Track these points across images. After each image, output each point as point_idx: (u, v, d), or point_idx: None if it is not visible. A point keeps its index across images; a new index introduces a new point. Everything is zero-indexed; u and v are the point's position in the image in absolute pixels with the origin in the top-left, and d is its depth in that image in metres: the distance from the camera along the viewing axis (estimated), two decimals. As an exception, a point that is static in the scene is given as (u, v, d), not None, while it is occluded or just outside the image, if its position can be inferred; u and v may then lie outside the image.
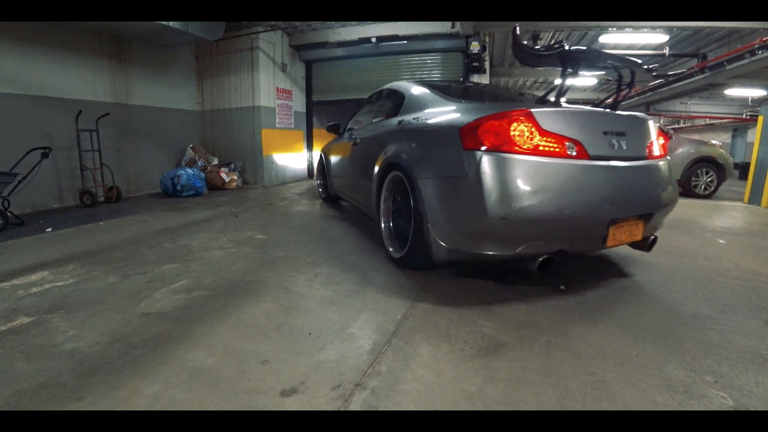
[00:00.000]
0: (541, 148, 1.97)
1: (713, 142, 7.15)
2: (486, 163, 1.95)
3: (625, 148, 2.21)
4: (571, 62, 2.23)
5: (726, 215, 4.99)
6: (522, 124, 1.97)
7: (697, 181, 6.58)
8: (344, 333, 1.85)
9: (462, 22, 6.58)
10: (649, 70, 2.31)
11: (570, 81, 2.28)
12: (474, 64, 6.93)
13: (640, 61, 2.45)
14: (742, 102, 14.15)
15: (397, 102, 3.21)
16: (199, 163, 7.06)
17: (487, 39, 7.06)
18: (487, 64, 7.19)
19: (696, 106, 15.34)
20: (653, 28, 7.29)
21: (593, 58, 2.32)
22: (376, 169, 2.97)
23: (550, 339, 1.80)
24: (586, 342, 1.78)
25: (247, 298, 2.25)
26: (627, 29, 7.45)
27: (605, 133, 2.17)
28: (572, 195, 1.96)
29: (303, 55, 8.25)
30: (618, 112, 2.37)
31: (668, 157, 2.58)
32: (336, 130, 4.66)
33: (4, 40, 4.66)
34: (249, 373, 1.54)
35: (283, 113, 7.94)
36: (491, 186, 1.92)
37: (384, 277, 2.59)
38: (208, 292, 2.34)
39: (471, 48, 6.74)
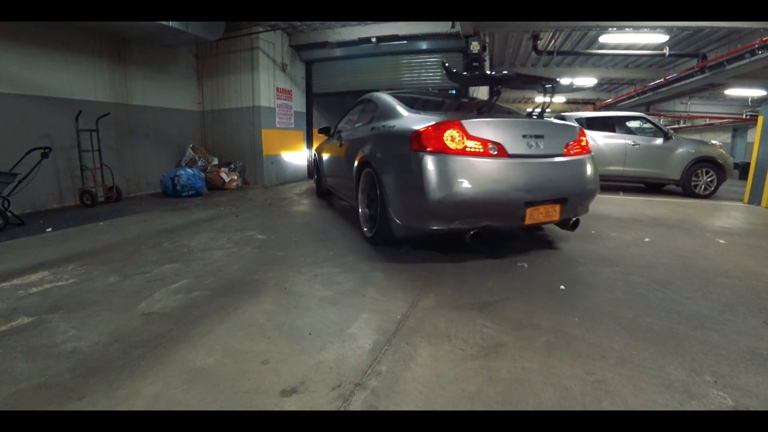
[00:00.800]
0: (468, 149, 2.59)
1: (713, 142, 7.16)
2: (426, 161, 2.57)
3: (542, 147, 2.80)
4: (495, 83, 2.99)
5: (726, 215, 4.99)
6: (453, 131, 2.59)
7: (697, 181, 6.58)
8: (344, 333, 1.85)
9: (462, 22, 6.58)
10: (566, 86, 3.25)
11: (523, 93, 3.17)
12: (474, 64, 6.93)
13: (558, 80, 3.25)
14: (742, 102, 14.15)
15: (372, 110, 3.77)
16: (199, 163, 7.06)
17: (487, 39, 7.07)
18: (487, 64, 7.20)
19: (696, 106, 15.34)
20: (653, 28, 7.29)
21: (513, 80, 3.19)
22: (355, 165, 3.52)
23: (550, 339, 1.80)
24: (586, 342, 1.78)
25: (247, 298, 2.25)
26: (627, 29, 7.46)
27: (524, 136, 2.76)
28: (492, 184, 2.56)
29: (303, 55, 8.25)
30: (538, 119, 3.03)
31: (591, 154, 3.14)
32: (327, 132, 5.15)
33: (4, 40, 4.66)
34: (249, 373, 1.54)
35: (283, 113, 7.93)
36: (429, 178, 2.54)
37: (384, 277, 2.59)
38: (208, 292, 2.34)
39: (471, 48, 6.74)
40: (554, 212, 2.79)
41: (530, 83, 3.23)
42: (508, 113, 3.44)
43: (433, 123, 2.63)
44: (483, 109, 2.99)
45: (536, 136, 2.80)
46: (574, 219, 3.07)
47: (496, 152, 2.63)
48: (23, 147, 4.59)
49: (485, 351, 1.70)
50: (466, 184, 2.51)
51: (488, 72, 3.02)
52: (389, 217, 2.90)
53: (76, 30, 5.41)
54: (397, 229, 2.91)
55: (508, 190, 2.59)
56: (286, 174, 8.26)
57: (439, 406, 1.35)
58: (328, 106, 9.49)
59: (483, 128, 2.65)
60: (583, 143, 3.09)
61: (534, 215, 2.70)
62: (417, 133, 2.66)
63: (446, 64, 3.17)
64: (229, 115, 7.58)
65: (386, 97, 3.61)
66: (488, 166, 2.57)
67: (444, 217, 2.60)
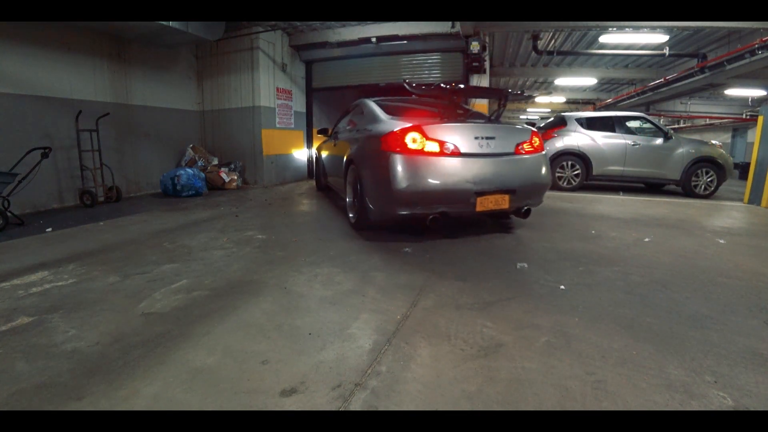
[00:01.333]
0: (426, 149, 3.11)
1: (713, 142, 7.15)
2: (392, 159, 3.09)
3: (492, 147, 3.30)
4: (450, 94, 3.54)
5: (726, 215, 4.99)
6: (415, 134, 3.11)
7: (697, 181, 6.58)
8: (344, 333, 1.85)
9: (462, 22, 6.58)
10: (518, 94, 3.88)
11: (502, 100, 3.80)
12: (474, 64, 6.93)
13: (510, 90, 3.76)
14: (742, 102, 14.13)
15: (361, 114, 4.27)
16: (199, 163, 7.06)
17: (487, 39, 7.06)
18: (487, 64, 7.19)
19: (696, 106, 15.33)
20: (653, 28, 7.29)
21: (469, 92, 4.28)
22: (344, 161, 4.06)
23: (550, 339, 1.80)
24: (586, 342, 1.78)
25: (247, 298, 2.25)
26: (627, 29, 7.45)
27: (476, 137, 3.25)
28: (446, 177, 3.07)
29: (303, 55, 8.24)
30: (492, 123, 3.62)
31: (543, 153, 3.60)
32: (325, 133, 5.71)
33: (4, 40, 4.66)
34: (249, 373, 1.54)
35: (283, 113, 7.93)
36: (395, 172, 3.05)
37: (384, 277, 2.59)
38: (208, 292, 2.34)
39: (471, 48, 6.73)
40: (503, 201, 3.29)
41: (484, 95, 4.18)
42: (479, 117, 4.11)
43: (400, 127, 3.16)
44: (450, 115, 3.60)
45: (488, 138, 3.29)
46: (525, 208, 3.52)
47: (450, 151, 3.14)
48: (23, 147, 4.58)
49: (485, 351, 1.70)
50: (423, 178, 3.04)
51: (443, 85, 3.50)
52: (366, 205, 3.44)
53: (76, 30, 5.40)
54: (372, 214, 3.41)
55: (460, 182, 3.10)
56: (287, 174, 8.26)
57: (439, 406, 1.35)
58: (328, 106, 9.49)
59: (440, 131, 3.17)
60: (536, 143, 3.55)
61: (484, 203, 3.21)
62: (385, 136, 3.21)
63: (406, 81, 3.56)
64: (229, 115, 7.58)
65: (371, 104, 4.09)
66: (443, 162, 3.10)
67: (407, 203, 3.11)
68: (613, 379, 1.50)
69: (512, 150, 3.39)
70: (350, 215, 3.94)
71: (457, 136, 3.18)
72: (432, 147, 3.10)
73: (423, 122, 3.24)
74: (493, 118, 3.97)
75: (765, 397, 1.40)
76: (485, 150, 3.25)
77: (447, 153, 3.12)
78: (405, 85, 3.48)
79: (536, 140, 3.56)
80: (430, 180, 3.03)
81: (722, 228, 4.17)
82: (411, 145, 3.08)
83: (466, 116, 3.74)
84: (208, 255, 3.07)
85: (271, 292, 2.34)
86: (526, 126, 3.68)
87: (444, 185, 3.06)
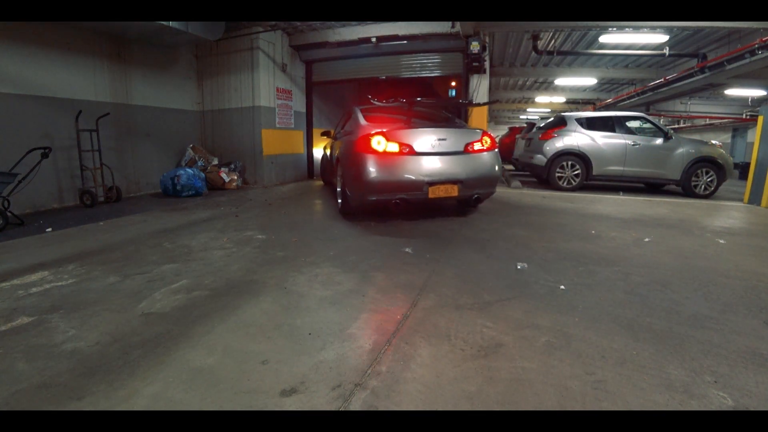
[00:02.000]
0: (388, 150, 3.85)
1: (713, 142, 7.14)
2: (363, 158, 3.86)
3: (444, 147, 3.99)
4: (413, 106, 4.40)
5: (726, 215, 4.99)
6: (378, 138, 3.85)
7: (697, 181, 6.57)
8: (344, 333, 1.85)
9: (462, 22, 6.57)
10: (470, 102, 4.78)
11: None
12: (474, 64, 6.92)
13: (468, 101, 4.88)
14: (742, 102, 14.12)
15: (350, 119, 5.06)
16: (199, 163, 7.05)
17: (487, 39, 7.06)
18: (487, 64, 7.19)
19: (696, 106, 15.32)
20: (653, 28, 7.29)
21: (428, 104, 5.17)
22: (335, 158, 4.99)
23: (550, 339, 1.80)
24: (586, 342, 1.78)
25: (247, 298, 2.25)
26: (627, 29, 7.45)
27: (430, 139, 3.97)
28: (403, 171, 3.82)
29: (303, 55, 8.24)
30: (447, 128, 4.26)
31: (493, 150, 4.26)
32: (328, 135, 6.35)
33: (4, 40, 4.66)
34: (249, 373, 1.54)
35: (283, 113, 7.93)
36: (364, 168, 3.82)
37: (384, 277, 2.59)
38: (208, 292, 2.34)
39: (471, 48, 6.72)
40: (453, 190, 3.95)
41: (436, 106, 5.35)
42: (445, 122, 4.83)
43: (370, 132, 3.92)
44: (413, 121, 4.31)
45: (440, 139, 4.00)
46: (475, 196, 4.20)
47: (407, 151, 3.88)
48: (23, 147, 4.58)
49: (485, 351, 1.70)
50: (385, 172, 3.81)
51: (401, 100, 4.37)
52: (347, 194, 4.25)
53: (76, 30, 5.40)
54: (352, 201, 4.18)
55: (414, 175, 3.83)
56: (287, 174, 8.25)
57: (439, 406, 1.35)
58: (328, 106, 9.50)
59: (400, 135, 3.92)
60: (487, 143, 4.21)
61: (435, 192, 3.90)
62: (358, 139, 4.00)
63: (369, 97, 4.37)
64: (229, 115, 7.58)
65: (357, 112, 4.85)
66: (402, 160, 3.85)
67: (374, 192, 3.86)
68: (613, 379, 1.50)
69: (461, 149, 4.06)
70: (338, 201, 4.71)
71: (413, 138, 3.92)
72: (393, 147, 3.85)
73: (389, 128, 4.01)
74: (459, 123, 4.88)
75: (765, 397, 1.40)
76: (437, 149, 3.95)
77: (405, 153, 3.86)
78: (369, 97, 4.61)
79: (487, 140, 4.24)
80: (391, 174, 3.80)
81: (722, 228, 4.17)
82: (376, 147, 3.83)
83: (437, 122, 4.63)
84: (208, 255, 3.07)
85: (271, 292, 2.34)
86: (477, 129, 4.36)
87: (402, 178, 3.81)
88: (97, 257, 3.04)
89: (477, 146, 4.12)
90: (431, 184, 3.85)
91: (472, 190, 4.08)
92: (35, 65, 4.98)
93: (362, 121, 4.50)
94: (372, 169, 3.78)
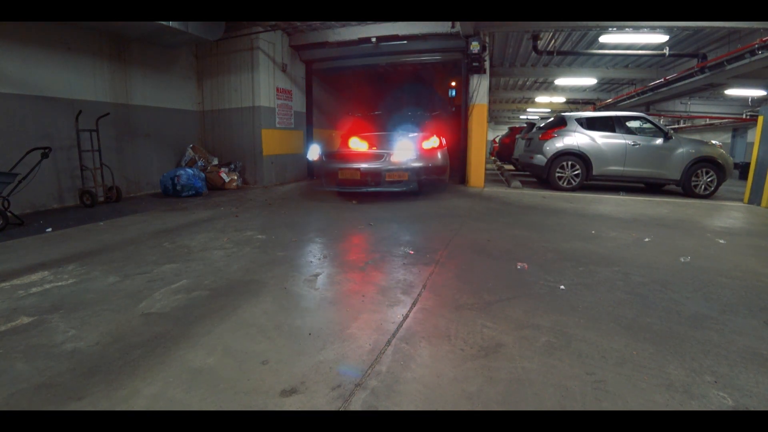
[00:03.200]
0: (346, 152, 5.81)
1: (713, 142, 7.14)
2: (328, 159, 5.84)
3: (380, 149, 5.64)
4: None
5: (726, 215, 4.99)
6: (338, 149, 6.10)
7: (697, 181, 6.57)
8: (344, 333, 1.85)
9: (462, 22, 6.57)
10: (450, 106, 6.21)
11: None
12: (474, 64, 6.93)
13: (439, 110, 7.23)
14: (742, 102, 14.11)
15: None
16: (199, 163, 7.05)
17: (487, 39, 7.05)
18: (487, 64, 7.19)
19: (696, 106, 15.30)
20: (653, 28, 7.28)
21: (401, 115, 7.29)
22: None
23: (550, 339, 1.80)
24: (586, 342, 1.78)
25: (247, 298, 2.25)
26: (627, 29, 7.44)
27: (371, 143, 5.93)
28: (359, 165, 5.48)
29: (303, 55, 8.24)
30: (389, 134, 6.17)
31: (441, 149, 5.85)
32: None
33: (4, 40, 4.66)
34: (249, 373, 1.54)
35: (283, 113, 7.93)
36: (328, 165, 5.76)
37: (384, 277, 2.59)
38: (208, 292, 2.34)
39: (471, 48, 6.72)
40: (356, 174, 5.42)
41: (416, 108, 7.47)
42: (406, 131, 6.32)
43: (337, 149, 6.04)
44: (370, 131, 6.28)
45: (386, 142, 5.76)
46: (422, 178, 5.59)
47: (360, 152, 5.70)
48: (23, 147, 4.58)
49: (485, 351, 1.70)
50: (340, 166, 5.56)
51: (357, 114, 5.96)
52: (323, 180, 6.00)
53: (76, 30, 5.40)
54: (324, 185, 5.97)
55: (374, 165, 5.40)
56: (287, 174, 8.25)
57: (439, 406, 1.35)
58: (328, 106, 9.50)
59: (353, 143, 5.86)
60: (425, 147, 5.65)
61: (391, 177, 5.41)
62: (327, 152, 5.98)
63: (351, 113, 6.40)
64: (229, 115, 7.58)
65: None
66: (356, 157, 5.57)
67: (335, 181, 5.68)
68: (613, 379, 1.50)
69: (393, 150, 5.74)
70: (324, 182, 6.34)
71: (362, 142, 5.89)
72: (347, 153, 5.68)
73: (351, 136, 5.97)
74: (412, 135, 6.10)
75: (765, 397, 1.41)
76: (387, 150, 5.54)
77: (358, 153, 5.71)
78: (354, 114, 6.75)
79: (425, 143, 5.67)
80: (348, 167, 5.45)
81: (722, 228, 4.17)
82: (336, 155, 5.74)
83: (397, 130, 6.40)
84: (208, 255, 3.07)
85: (271, 292, 2.34)
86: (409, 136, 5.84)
87: (357, 169, 5.43)
88: (97, 257, 3.04)
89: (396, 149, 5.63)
90: (388, 171, 5.40)
91: (419, 177, 5.60)
92: (35, 65, 4.98)
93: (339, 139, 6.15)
94: (331, 165, 5.74)
